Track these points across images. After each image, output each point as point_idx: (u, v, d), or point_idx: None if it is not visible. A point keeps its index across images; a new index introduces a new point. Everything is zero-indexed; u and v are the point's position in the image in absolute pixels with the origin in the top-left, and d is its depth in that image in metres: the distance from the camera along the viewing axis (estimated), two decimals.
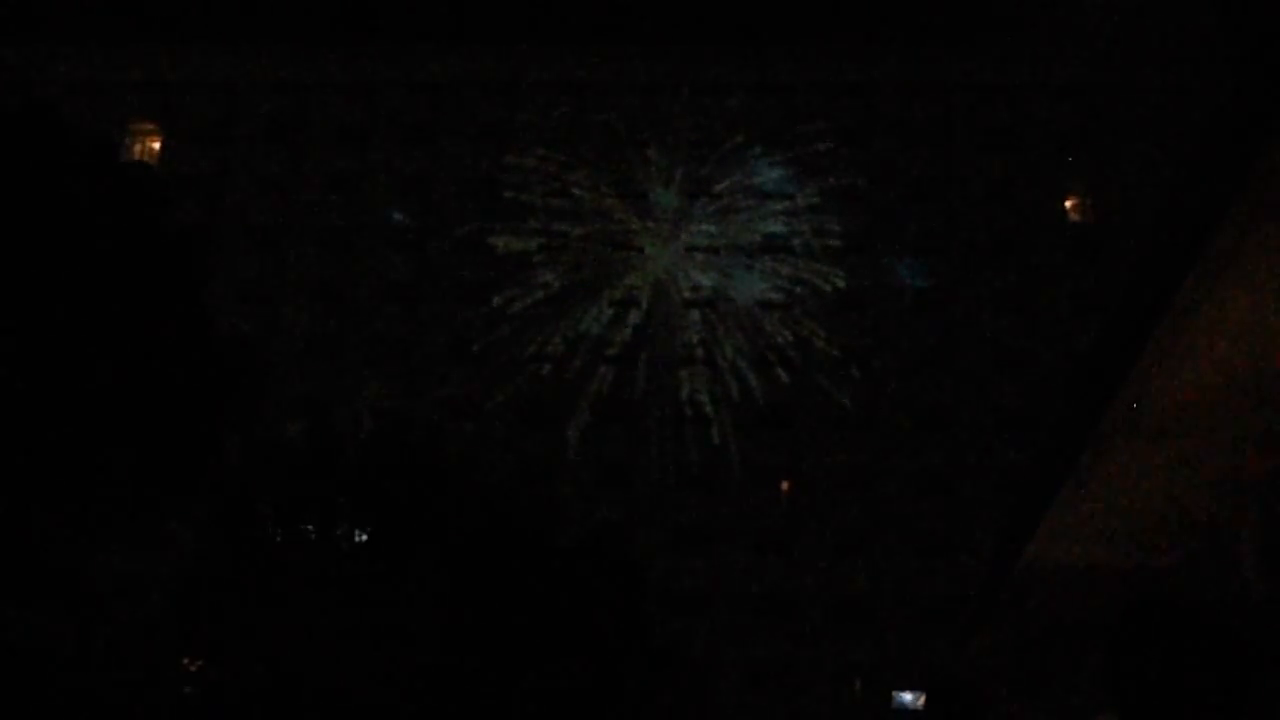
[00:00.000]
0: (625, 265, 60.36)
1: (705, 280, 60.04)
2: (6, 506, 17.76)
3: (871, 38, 68.03)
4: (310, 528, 25.71)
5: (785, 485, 57.02)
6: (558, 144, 61.92)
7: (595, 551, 30.52)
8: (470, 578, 25.99)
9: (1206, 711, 2.58)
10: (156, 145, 62.05)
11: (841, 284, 59.53)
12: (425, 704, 24.39)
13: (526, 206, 61.20)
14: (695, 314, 59.52)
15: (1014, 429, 54.66)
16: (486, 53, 63.44)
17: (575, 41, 64.39)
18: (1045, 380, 54.61)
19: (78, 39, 63.01)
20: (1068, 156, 60.33)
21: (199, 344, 19.57)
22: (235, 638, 23.58)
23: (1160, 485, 19.52)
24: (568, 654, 26.69)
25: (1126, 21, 58.90)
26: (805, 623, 54.01)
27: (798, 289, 59.69)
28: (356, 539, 26.02)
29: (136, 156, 60.24)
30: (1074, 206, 60.79)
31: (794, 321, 59.16)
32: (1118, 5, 59.87)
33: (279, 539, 25.43)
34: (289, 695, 22.57)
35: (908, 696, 51.56)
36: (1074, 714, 30.25)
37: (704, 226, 60.93)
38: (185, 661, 24.34)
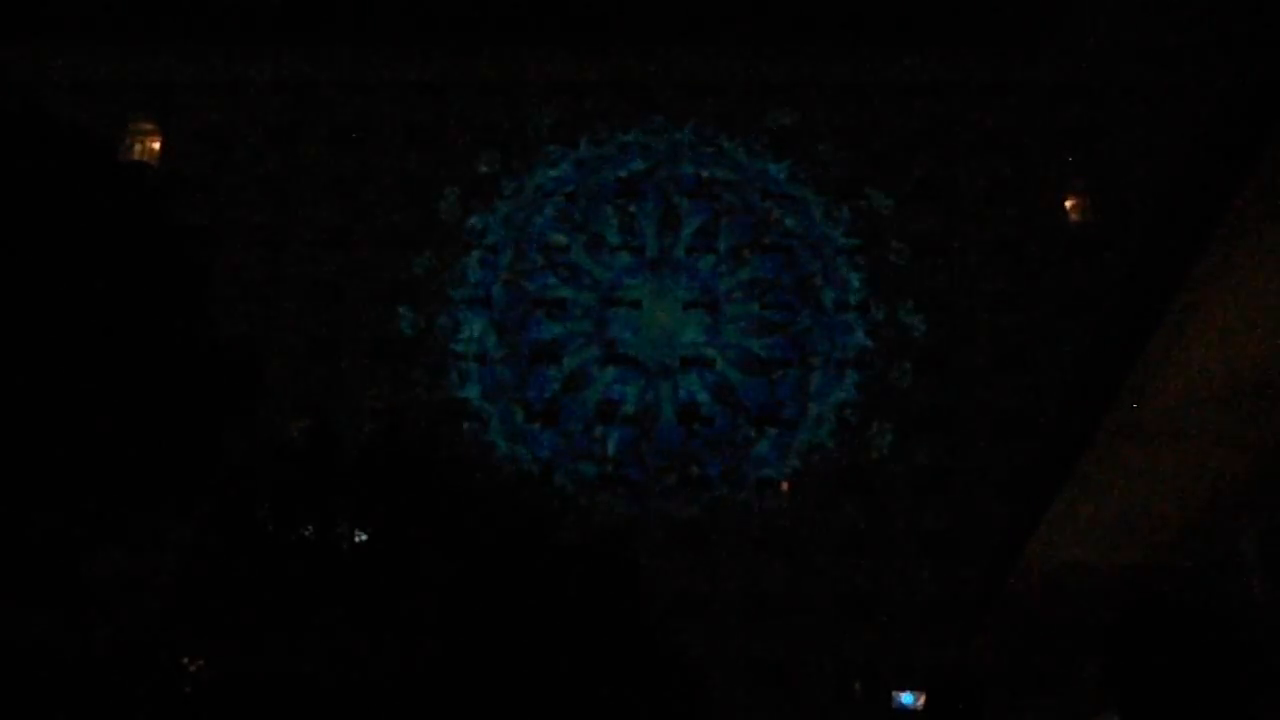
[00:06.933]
0: (623, 267, 60.33)
1: (701, 283, 60.01)
2: (7, 506, 17.76)
3: (871, 38, 67.98)
4: (310, 528, 25.69)
5: (785, 485, 57.02)
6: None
7: (595, 551, 30.50)
8: (470, 578, 25.98)
9: (1206, 711, 2.59)
10: (156, 145, 62.02)
11: (842, 282, 59.55)
12: (426, 703, 24.39)
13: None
14: (695, 315, 59.49)
15: (1014, 429, 54.68)
16: (486, 53, 63.42)
17: (575, 42, 64.30)
18: (1045, 380, 54.61)
19: (78, 39, 62.96)
20: (1068, 156, 60.31)
21: (199, 344, 19.57)
22: (235, 638, 23.57)
23: (1160, 485, 19.54)
24: (568, 654, 26.68)
25: (1127, 21, 58.87)
26: (805, 623, 54.01)
27: (797, 291, 59.67)
28: (356, 539, 26.01)
29: (136, 156, 60.20)
30: (1074, 206, 60.79)
31: (794, 322, 59.16)
32: (1118, 5, 59.86)
33: (279, 539, 25.41)
34: (289, 695, 22.56)
35: (908, 696, 51.54)
36: (1074, 714, 30.26)
37: (702, 224, 60.91)
38: (185, 661, 24.31)
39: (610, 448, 57.24)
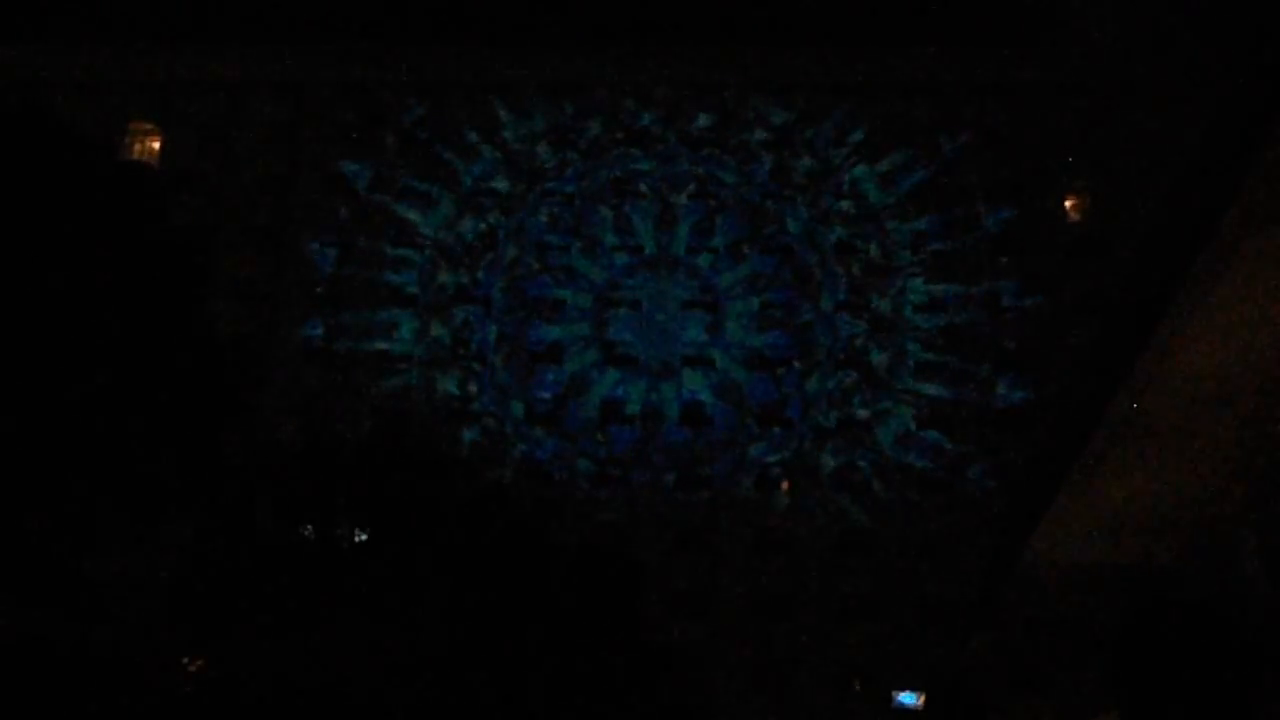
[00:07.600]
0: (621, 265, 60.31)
1: (700, 281, 59.99)
2: (7, 507, 17.76)
3: (872, 38, 68.03)
4: (310, 528, 25.69)
5: (785, 485, 56.99)
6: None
7: (595, 551, 30.51)
8: (470, 577, 25.98)
9: (1207, 711, 2.59)
10: (156, 145, 62.00)
11: (840, 281, 59.58)
12: (425, 703, 24.39)
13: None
14: (694, 315, 59.46)
15: (1014, 429, 54.67)
16: (486, 53, 63.38)
17: (574, 42, 64.29)
18: (1045, 380, 54.61)
19: (78, 39, 62.96)
20: (1068, 156, 60.29)
21: (199, 344, 19.57)
22: (235, 638, 23.56)
23: (1160, 485, 19.53)
24: (568, 654, 26.68)
25: (1127, 21, 58.89)
26: (805, 623, 53.99)
27: (797, 287, 59.68)
28: (356, 539, 26.01)
29: (136, 156, 60.18)
30: (1074, 206, 60.79)
31: (794, 318, 59.17)
32: (1119, 5, 59.87)
33: (279, 539, 25.40)
34: (289, 695, 22.56)
35: (908, 696, 51.55)
36: (1074, 714, 30.25)
37: (699, 222, 60.92)
38: (185, 661, 24.32)
39: (613, 448, 57.20)
